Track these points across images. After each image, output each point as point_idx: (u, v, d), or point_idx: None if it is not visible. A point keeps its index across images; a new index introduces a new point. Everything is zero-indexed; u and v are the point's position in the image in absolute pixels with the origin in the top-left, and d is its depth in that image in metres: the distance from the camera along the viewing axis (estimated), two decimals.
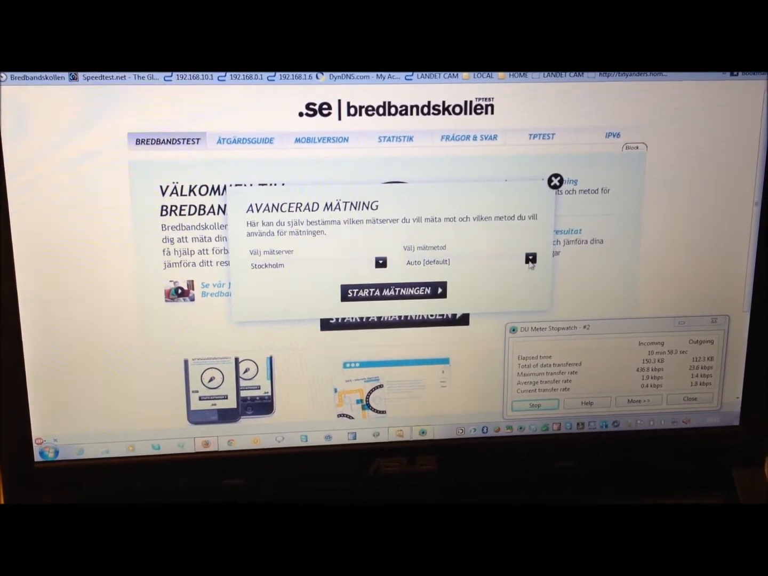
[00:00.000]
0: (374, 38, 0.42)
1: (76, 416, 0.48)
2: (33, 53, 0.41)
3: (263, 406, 0.50)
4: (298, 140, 0.45)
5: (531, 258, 0.48)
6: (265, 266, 0.47)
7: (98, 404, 0.48)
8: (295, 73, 0.44)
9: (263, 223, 0.46)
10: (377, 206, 0.47)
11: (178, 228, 0.46)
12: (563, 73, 0.45)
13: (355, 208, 0.46)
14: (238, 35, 0.41)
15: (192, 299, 0.47)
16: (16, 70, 0.42)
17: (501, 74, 0.45)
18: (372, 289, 0.48)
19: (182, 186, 0.45)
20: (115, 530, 0.40)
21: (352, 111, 0.45)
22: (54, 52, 0.41)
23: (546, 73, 0.45)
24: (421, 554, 0.40)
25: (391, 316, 0.49)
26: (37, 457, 0.49)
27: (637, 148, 0.47)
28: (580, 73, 0.46)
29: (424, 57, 0.43)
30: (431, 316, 0.49)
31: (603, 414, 0.52)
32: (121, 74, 0.43)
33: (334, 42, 0.42)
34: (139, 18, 0.40)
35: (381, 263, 0.48)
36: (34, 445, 0.49)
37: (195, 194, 0.45)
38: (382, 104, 0.45)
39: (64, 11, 0.40)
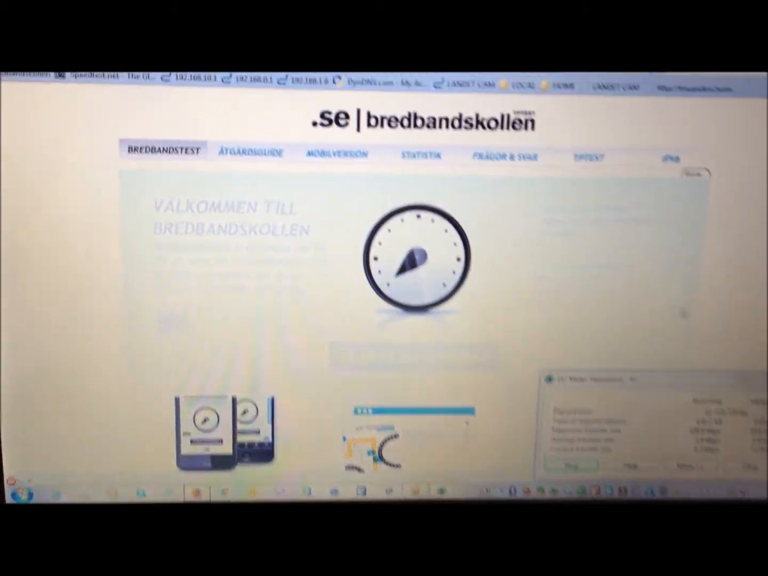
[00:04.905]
0: (398, 34, 0.41)
1: (54, 455, 0.46)
2: (12, 50, 0.40)
3: (262, 453, 0.47)
4: (310, 153, 0.43)
5: None
6: (272, 290, 0.44)
7: (78, 443, 0.46)
8: (308, 77, 0.42)
9: (265, 248, 0.44)
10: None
11: (173, 248, 0.44)
12: (615, 86, 0.43)
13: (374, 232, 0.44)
14: (244, 30, 0.40)
15: (187, 328, 0.45)
16: None
17: (544, 84, 0.43)
18: None
19: (179, 201, 0.43)
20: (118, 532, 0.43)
21: (372, 122, 0.43)
22: (37, 48, 0.40)
23: (596, 85, 0.43)
24: None
25: None
26: (8, 499, 0.47)
27: (699, 174, 0.45)
28: (635, 86, 0.43)
29: (455, 56, 0.41)
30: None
31: (649, 479, 0.49)
32: (112, 72, 0.41)
33: (353, 38, 0.40)
34: (133, 10, 0.39)
35: None
36: (6, 485, 0.47)
37: (193, 211, 0.43)
38: (406, 115, 0.43)
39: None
